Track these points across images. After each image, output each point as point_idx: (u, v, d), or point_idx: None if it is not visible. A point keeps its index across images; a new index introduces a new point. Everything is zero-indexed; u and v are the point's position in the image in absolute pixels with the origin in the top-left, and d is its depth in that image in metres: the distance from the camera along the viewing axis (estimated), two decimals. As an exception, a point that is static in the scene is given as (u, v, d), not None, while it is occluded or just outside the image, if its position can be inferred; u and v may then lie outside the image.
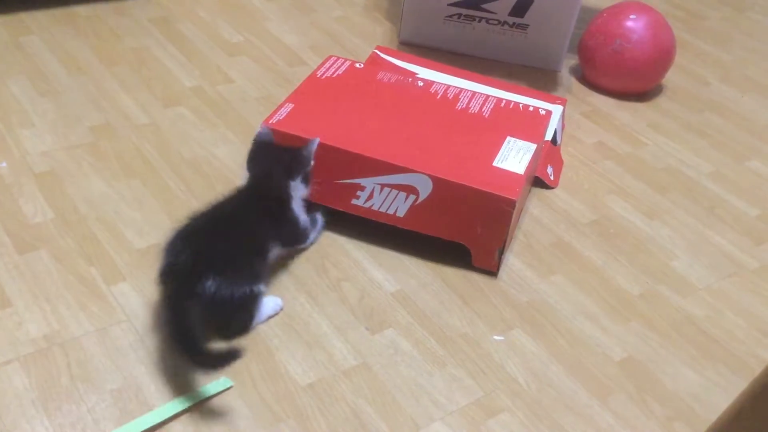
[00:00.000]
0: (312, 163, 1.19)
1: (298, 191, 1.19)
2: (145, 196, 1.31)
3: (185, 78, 1.63)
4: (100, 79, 1.58)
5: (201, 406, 0.99)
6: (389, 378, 1.06)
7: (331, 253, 1.25)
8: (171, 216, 1.27)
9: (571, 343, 1.17)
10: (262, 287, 1.09)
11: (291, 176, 1.17)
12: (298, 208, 1.19)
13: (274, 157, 1.18)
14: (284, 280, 1.19)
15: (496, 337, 1.15)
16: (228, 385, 1.02)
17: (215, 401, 1.00)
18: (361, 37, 1.89)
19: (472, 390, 1.07)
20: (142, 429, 0.95)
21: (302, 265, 1.22)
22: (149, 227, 1.25)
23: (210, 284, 1.01)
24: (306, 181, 1.19)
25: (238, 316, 1.08)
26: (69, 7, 1.80)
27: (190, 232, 1.07)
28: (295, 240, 1.22)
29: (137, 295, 1.13)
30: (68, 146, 1.39)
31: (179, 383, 1.01)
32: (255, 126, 1.51)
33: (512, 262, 1.29)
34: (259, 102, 1.59)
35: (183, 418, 0.97)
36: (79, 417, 0.96)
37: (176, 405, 0.98)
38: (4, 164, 1.32)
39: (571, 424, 1.04)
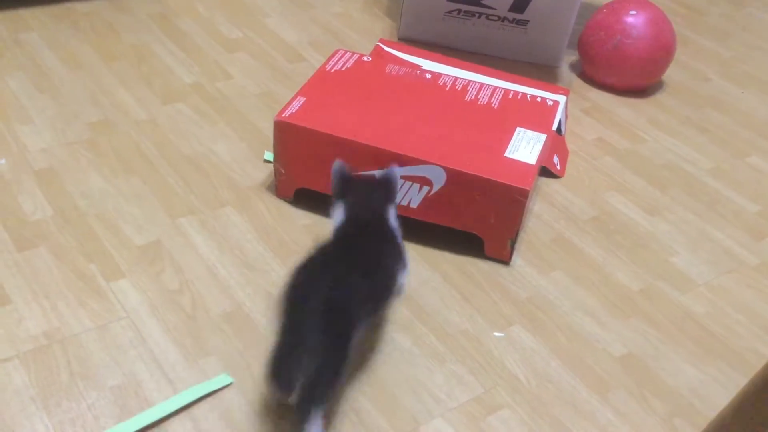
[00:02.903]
0: (398, 188, 1.14)
1: (392, 214, 1.11)
2: (144, 192, 1.30)
3: (184, 74, 1.63)
4: (99, 75, 1.58)
5: (201, 403, 0.99)
6: (389, 375, 1.06)
7: (331, 249, 1.25)
8: (170, 212, 1.27)
9: (571, 339, 1.17)
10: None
11: (390, 200, 1.11)
12: (394, 225, 1.10)
13: (366, 186, 1.12)
14: (284, 276, 1.18)
15: (496, 334, 1.15)
16: (228, 382, 1.02)
17: (215, 398, 1.00)
18: (361, 33, 1.88)
19: (472, 386, 1.07)
20: (142, 425, 0.95)
21: (302, 261, 1.22)
22: (148, 224, 1.24)
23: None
24: (395, 207, 1.12)
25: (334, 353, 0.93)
26: (68, 4, 1.80)
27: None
28: (400, 266, 1.08)
29: (137, 292, 1.13)
30: (67, 143, 1.39)
31: (179, 380, 1.01)
32: (254, 122, 1.51)
33: (512, 258, 1.29)
34: (258, 98, 1.59)
35: (183, 414, 0.97)
36: (79, 413, 0.96)
37: (176, 401, 0.98)
38: (3, 161, 1.32)
39: (571, 420, 1.04)
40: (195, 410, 0.98)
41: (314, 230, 1.28)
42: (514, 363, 1.11)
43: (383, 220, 1.09)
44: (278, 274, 1.19)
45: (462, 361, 1.10)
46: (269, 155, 1.42)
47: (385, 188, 1.11)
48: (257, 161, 1.41)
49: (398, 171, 1.13)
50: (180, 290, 1.14)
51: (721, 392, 1.11)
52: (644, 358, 1.15)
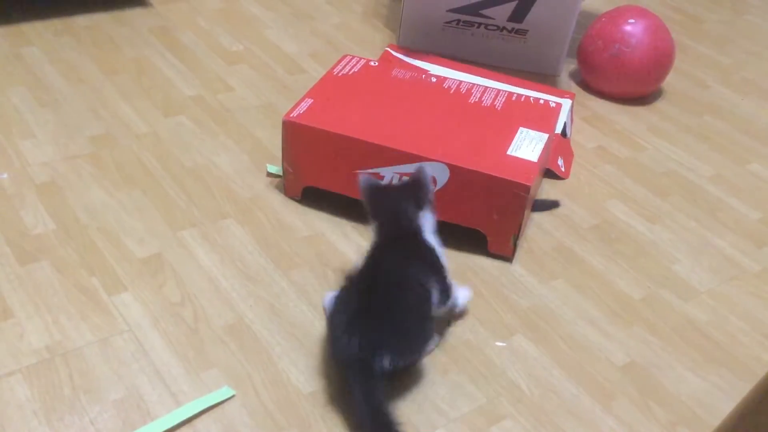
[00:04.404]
0: (432, 188, 1.15)
1: (428, 221, 1.12)
2: (146, 205, 1.31)
3: (185, 87, 1.63)
4: (101, 88, 1.58)
5: (203, 416, 0.99)
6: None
7: (333, 260, 1.25)
8: (172, 225, 1.27)
9: (573, 348, 1.17)
10: (435, 340, 1.11)
11: (419, 206, 1.11)
12: (431, 238, 1.12)
13: (395, 195, 1.13)
14: (285, 288, 1.19)
15: (498, 343, 1.15)
16: (230, 395, 1.02)
17: (217, 410, 1.00)
18: (361, 44, 1.89)
19: (475, 396, 1.07)
20: (145, 439, 0.95)
21: (304, 273, 1.22)
22: (150, 236, 1.25)
23: (385, 361, 0.98)
24: (433, 209, 1.13)
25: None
26: (69, 18, 1.81)
27: (354, 308, 1.01)
28: (437, 272, 1.10)
29: (139, 305, 1.13)
30: (69, 156, 1.39)
31: (181, 393, 1.01)
32: (255, 134, 1.52)
33: (513, 267, 1.29)
34: (258, 110, 1.59)
35: (185, 427, 0.97)
36: (82, 428, 0.96)
37: (178, 415, 0.98)
38: (5, 175, 1.33)
39: (573, 430, 1.04)
40: (197, 423, 0.98)
41: (315, 242, 1.28)
42: (516, 372, 1.11)
43: (415, 238, 1.10)
44: (280, 285, 1.19)
45: (464, 371, 1.10)
46: (272, 168, 1.42)
47: (415, 194, 1.11)
48: (258, 173, 1.42)
49: (428, 171, 1.13)
50: (182, 303, 1.14)
51: (724, 400, 1.11)
52: (647, 366, 1.15)
